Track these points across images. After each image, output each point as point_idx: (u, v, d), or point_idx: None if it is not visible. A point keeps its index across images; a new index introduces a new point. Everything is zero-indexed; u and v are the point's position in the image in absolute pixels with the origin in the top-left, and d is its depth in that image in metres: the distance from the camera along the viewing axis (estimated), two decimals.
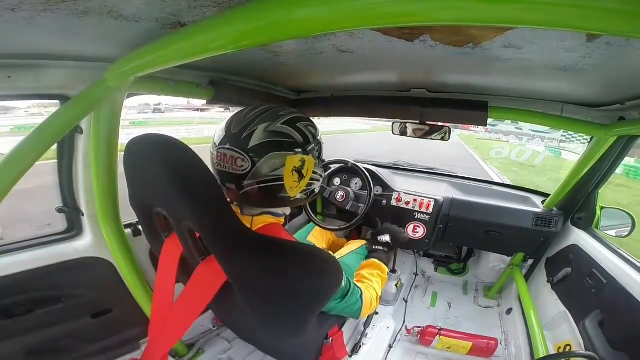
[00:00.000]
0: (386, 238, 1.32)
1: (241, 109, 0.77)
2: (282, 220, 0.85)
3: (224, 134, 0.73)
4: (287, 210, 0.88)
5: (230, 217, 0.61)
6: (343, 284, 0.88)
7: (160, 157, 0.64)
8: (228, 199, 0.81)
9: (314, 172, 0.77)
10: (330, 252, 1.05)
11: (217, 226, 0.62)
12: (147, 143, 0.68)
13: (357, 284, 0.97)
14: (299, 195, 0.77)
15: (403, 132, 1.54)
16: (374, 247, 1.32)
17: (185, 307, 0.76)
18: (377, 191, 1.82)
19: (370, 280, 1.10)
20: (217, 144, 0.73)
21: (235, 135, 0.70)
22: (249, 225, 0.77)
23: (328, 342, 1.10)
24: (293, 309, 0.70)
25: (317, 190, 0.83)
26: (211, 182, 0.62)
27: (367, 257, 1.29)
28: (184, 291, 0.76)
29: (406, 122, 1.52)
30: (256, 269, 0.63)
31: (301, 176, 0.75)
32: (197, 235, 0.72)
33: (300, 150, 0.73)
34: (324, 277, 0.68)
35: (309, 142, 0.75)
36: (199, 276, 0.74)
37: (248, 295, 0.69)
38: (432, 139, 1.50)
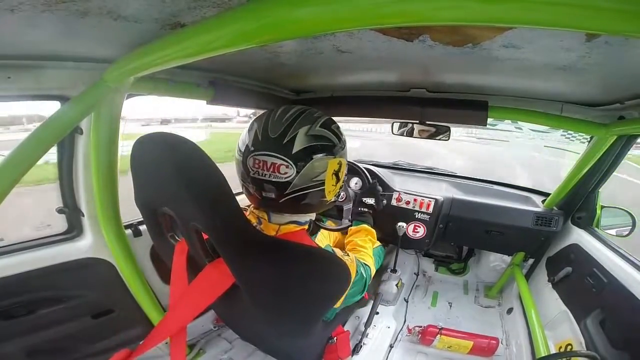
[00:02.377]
0: (370, 200, 1.37)
1: (265, 111, 0.74)
2: (306, 227, 0.82)
3: (261, 139, 0.68)
4: (313, 216, 0.85)
5: (240, 220, 0.60)
6: (365, 276, 0.91)
7: (169, 157, 0.62)
8: (253, 205, 0.80)
9: (344, 174, 0.77)
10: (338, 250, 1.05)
11: (227, 228, 0.60)
12: (157, 142, 0.66)
13: (361, 260, 0.98)
14: (332, 198, 0.76)
15: (408, 133, 1.54)
16: (359, 209, 1.35)
17: (184, 306, 0.75)
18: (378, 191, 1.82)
19: (365, 247, 1.12)
20: (252, 151, 0.69)
21: (275, 140, 0.67)
22: (274, 234, 0.76)
23: (332, 342, 1.10)
24: (301, 310, 0.69)
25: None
26: (221, 184, 0.60)
27: (355, 223, 1.29)
28: (185, 290, 0.75)
29: (406, 122, 1.52)
30: (265, 271, 0.62)
31: (337, 179, 0.74)
32: (205, 236, 0.70)
33: (337, 153, 0.72)
34: (332, 279, 0.68)
35: (343, 144, 0.74)
36: (205, 276, 0.72)
37: (257, 298, 0.68)
38: (432, 139, 1.50)
